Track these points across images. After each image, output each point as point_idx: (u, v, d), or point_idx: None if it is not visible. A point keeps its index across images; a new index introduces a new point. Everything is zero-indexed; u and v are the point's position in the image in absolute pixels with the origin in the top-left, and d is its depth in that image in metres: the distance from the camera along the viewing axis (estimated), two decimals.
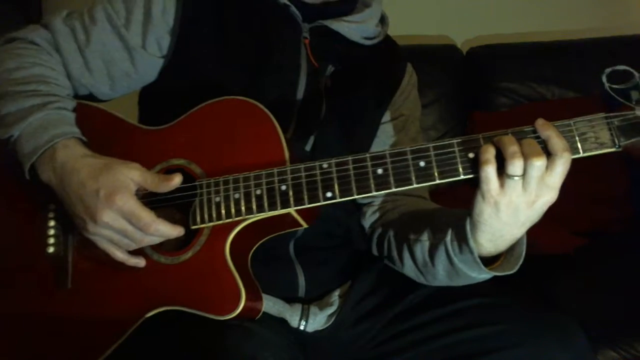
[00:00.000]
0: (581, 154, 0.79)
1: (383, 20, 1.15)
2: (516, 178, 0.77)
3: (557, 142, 0.77)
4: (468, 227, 0.84)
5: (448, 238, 0.89)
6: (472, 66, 2.07)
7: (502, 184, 0.78)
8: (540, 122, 0.79)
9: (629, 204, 1.84)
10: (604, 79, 0.79)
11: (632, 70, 0.78)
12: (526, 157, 0.76)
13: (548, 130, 0.78)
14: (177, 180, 0.89)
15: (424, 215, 1.01)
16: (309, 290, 1.03)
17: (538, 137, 0.79)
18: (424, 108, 1.99)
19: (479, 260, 0.85)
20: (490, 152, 0.78)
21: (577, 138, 0.79)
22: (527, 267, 1.59)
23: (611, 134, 0.78)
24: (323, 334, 1.02)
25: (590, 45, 2.03)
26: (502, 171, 0.77)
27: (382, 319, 1.00)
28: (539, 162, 0.75)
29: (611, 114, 0.79)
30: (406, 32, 2.12)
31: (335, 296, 1.05)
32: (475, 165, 0.80)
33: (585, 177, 1.82)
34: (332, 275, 1.07)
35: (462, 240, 0.86)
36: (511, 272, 0.86)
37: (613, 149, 0.79)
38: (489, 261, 0.87)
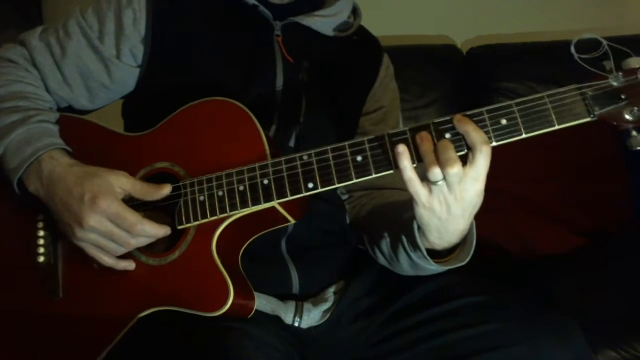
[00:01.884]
0: (556, 126, 0.79)
1: (355, 11, 1.16)
2: (439, 183, 0.79)
3: (474, 136, 0.78)
4: (415, 229, 0.87)
5: (403, 237, 0.91)
6: (472, 66, 2.07)
7: (429, 189, 0.80)
8: (457, 118, 0.81)
9: (629, 204, 1.84)
10: (572, 49, 0.81)
11: (599, 38, 0.81)
12: (442, 166, 0.78)
13: (465, 126, 0.79)
14: (167, 189, 0.90)
15: (389, 211, 1.03)
16: (303, 287, 1.04)
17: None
18: (424, 108, 2.01)
19: (429, 259, 0.89)
20: (411, 170, 0.80)
21: (551, 111, 0.79)
22: (527, 267, 1.61)
23: (585, 104, 0.79)
24: (319, 332, 1.03)
25: (590, 46, 2.03)
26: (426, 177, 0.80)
27: (379, 317, 1.00)
28: (454, 170, 0.77)
29: (584, 85, 0.80)
30: (406, 32, 2.13)
31: (330, 292, 1.05)
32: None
33: (585, 177, 1.83)
34: (327, 272, 1.07)
35: (413, 241, 0.89)
36: (463, 263, 0.89)
37: (588, 119, 0.79)
38: (449, 251, 0.90)
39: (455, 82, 2.03)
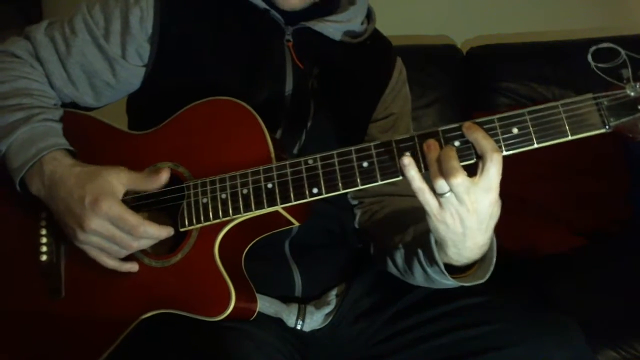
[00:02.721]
0: (569, 137, 0.76)
1: (369, 16, 1.14)
2: (447, 194, 0.76)
3: (484, 144, 0.75)
4: (433, 243, 0.84)
5: (420, 251, 0.89)
6: (472, 66, 2.07)
7: (439, 202, 0.77)
8: (466, 125, 0.78)
9: (629, 204, 1.85)
10: (590, 58, 0.77)
11: (617, 47, 0.76)
12: (445, 177, 0.75)
13: (474, 133, 0.76)
14: (164, 175, 0.89)
15: (403, 222, 1.00)
16: (305, 290, 1.03)
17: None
18: (424, 108, 2.01)
19: (446, 274, 0.85)
20: (420, 180, 0.77)
21: (565, 121, 0.76)
22: (527, 267, 1.61)
23: (600, 115, 0.76)
24: (321, 333, 1.02)
25: (590, 46, 2.03)
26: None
27: (380, 317, 1.00)
28: (457, 180, 0.74)
29: (600, 94, 0.76)
30: (406, 32, 2.13)
31: (332, 295, 1.05)
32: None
33: (585, 177, 1.83)
34: (330, 274, 1.07)
35: (430, 255, 0.86)
36: (481, 280, 0.85)
37: (603, 130, 0.76)
38: (467, 267, 0.87)
39: (455, 82, 2.03)
